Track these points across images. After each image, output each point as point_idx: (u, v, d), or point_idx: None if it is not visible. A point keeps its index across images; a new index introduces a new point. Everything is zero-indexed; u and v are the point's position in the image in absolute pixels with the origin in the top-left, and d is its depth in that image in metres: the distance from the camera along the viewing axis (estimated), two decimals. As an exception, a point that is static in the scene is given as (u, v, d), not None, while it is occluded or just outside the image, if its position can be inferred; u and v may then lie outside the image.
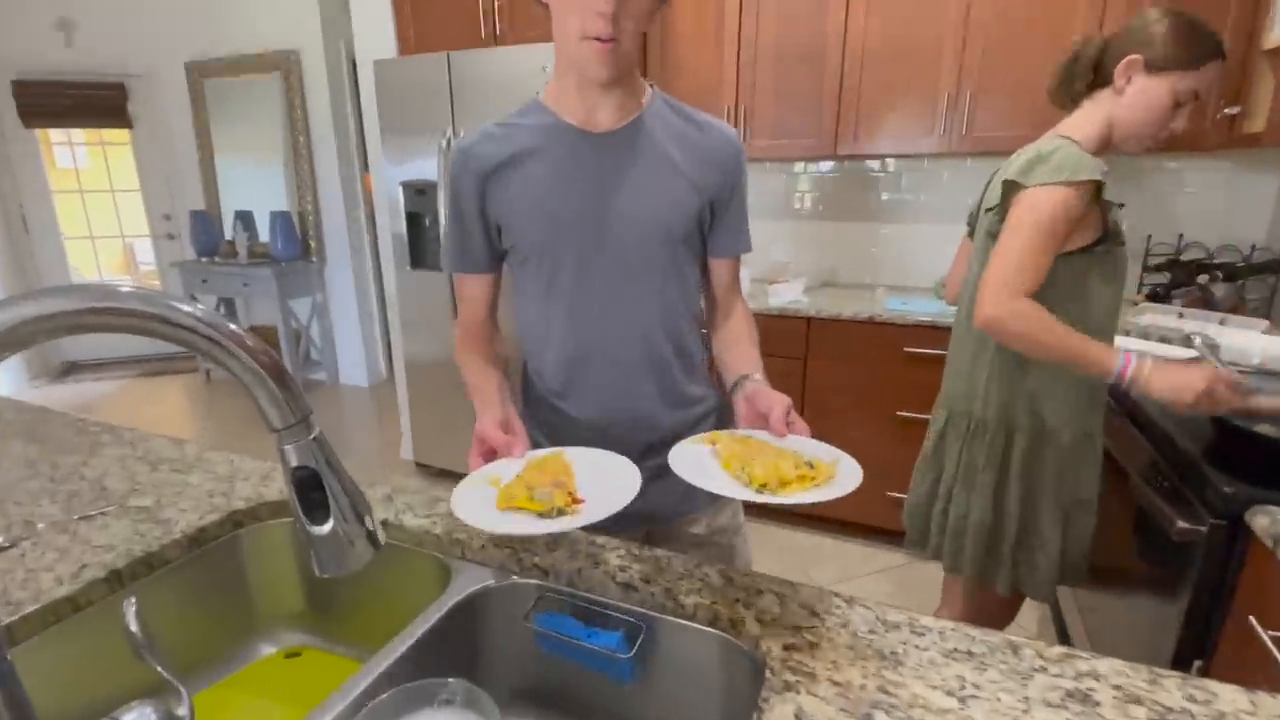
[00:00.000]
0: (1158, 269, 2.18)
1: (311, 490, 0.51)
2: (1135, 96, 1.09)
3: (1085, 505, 1.21)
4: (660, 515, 0.99)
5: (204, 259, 4.22)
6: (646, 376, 0.95)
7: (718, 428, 0.99)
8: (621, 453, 0.83)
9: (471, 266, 0.96)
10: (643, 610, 0.76)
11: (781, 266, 2.77)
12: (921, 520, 1.34)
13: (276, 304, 3.95)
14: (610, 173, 0.89)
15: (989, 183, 1.29)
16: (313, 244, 4.16)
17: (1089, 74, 1.14)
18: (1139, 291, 2.27)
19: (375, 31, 2.72)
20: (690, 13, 2.45)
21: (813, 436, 0.78)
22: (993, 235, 1.16)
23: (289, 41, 3.85)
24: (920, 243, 2.59)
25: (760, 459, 0.72)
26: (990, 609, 1.30)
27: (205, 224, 4.23)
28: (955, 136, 2.18)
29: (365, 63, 2.74)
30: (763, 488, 0.69)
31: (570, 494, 0.73)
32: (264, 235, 4.21)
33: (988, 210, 1.19)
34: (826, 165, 2.69)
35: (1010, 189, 1.11)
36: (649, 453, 0.95)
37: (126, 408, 3.97)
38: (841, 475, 0.71)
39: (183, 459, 1.11)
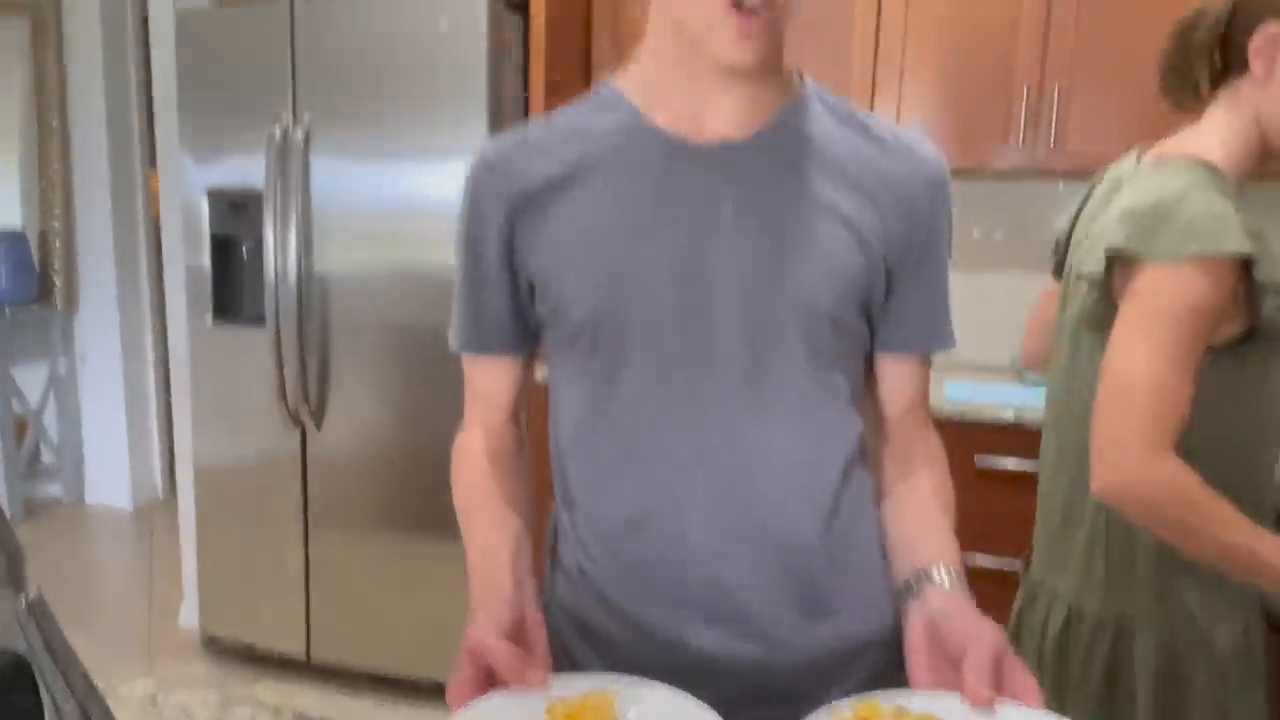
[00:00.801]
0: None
1: (13, 693, 0.46)
2: None
3: None
4: None
5: (-124, 301, 4.06)
6: (762, 567, 0.86)
7: (887, 667, 0.87)
8: (701, 692, 0.73)
9: (488, 344, 0.95)
10: None
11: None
12: None
13: (-10, 374, 3.80)
14: (722, 209, 0.83)
15: (1080, 211, 1.32)
16: (58, 281, 4.08)
17: (1212, 55, 1.13)
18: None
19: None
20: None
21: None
22: (1094, 324, 1.16)
23: (46, -20, 3.87)
24: (992, 298, 2.68)
25: None
26: None
27: (-117, 246, 4.08)
28: (1041, 149, 2.29)
29: (163, 14, 2.77)
30: None
31: None
32: (-21, 265, 4.10)
33: (1081, 278, 1.19)
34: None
35: (1119, 260, 1.09)
36: (755, 702, 0.85)
37: None
38: None
39: None
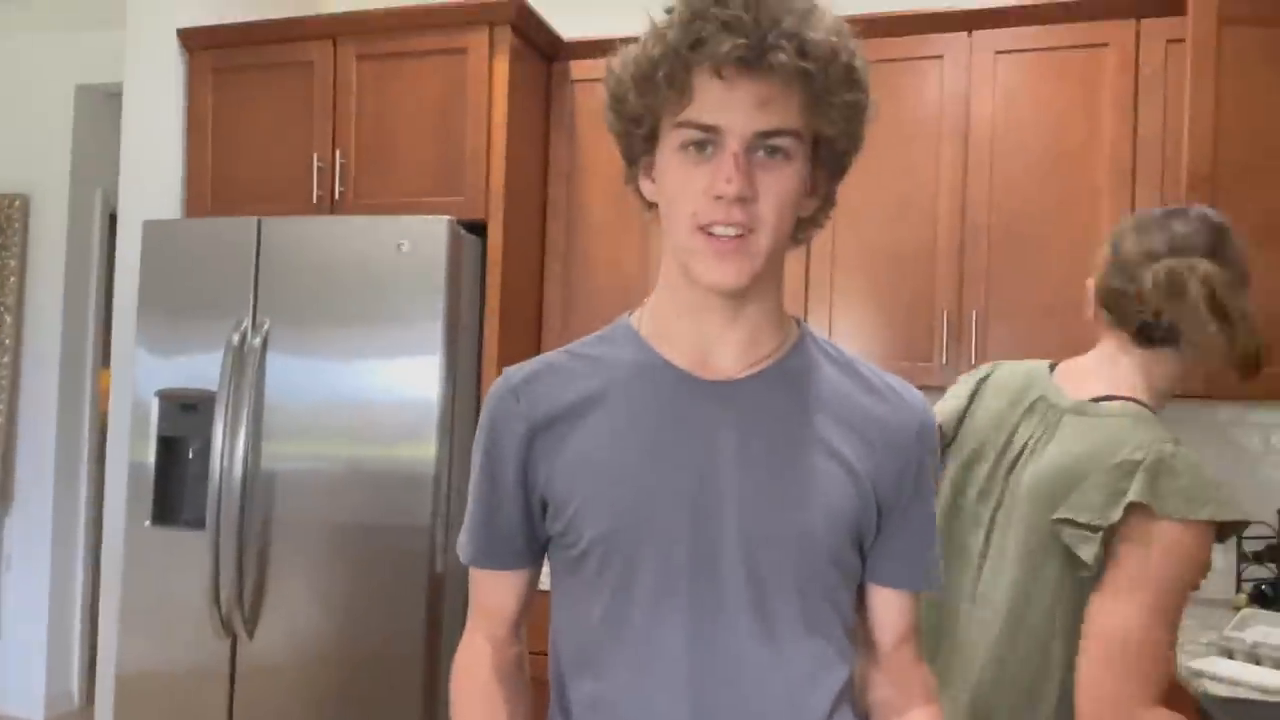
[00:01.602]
0: (1258, 558, 2.37)
1: None
2: None
3: None
4: None
5: None
6: None
7: None
8: None
9: (499, 559, 0.97)
10: None
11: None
12: None
13: (-95, 574, 3.62)
14: (727, 442, 0.88)
15: (970, 403, 1.40)
16: (-8, 476, 3.95)
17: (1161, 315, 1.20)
18: (1238, 590, 2.43)
19: (152, 181, 2.90)
20: (604, 191, 2.76)
21: None
22: (1079, 567, 1.16)
23: (16, 183, 4.00)
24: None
25: None
26: None
27: None
28: (964, 366, 2.44)
29: (131, 223, 2.86)
30: None
31: None
32: (-90, 459, 3.98)
33: (1072, 524, 1.16)
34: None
35: (1132, 513, 1.11)
36: None
37: None
38: None
39: None
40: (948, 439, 1.40)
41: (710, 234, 0.82)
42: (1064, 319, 2.39)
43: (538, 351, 2.77)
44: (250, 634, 2.49)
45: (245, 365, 2.50)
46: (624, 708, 0.89)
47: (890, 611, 0.97)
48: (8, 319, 3.97)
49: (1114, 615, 1.10)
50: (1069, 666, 1.17)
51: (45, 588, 3.93)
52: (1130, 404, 1.22)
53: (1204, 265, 1.16)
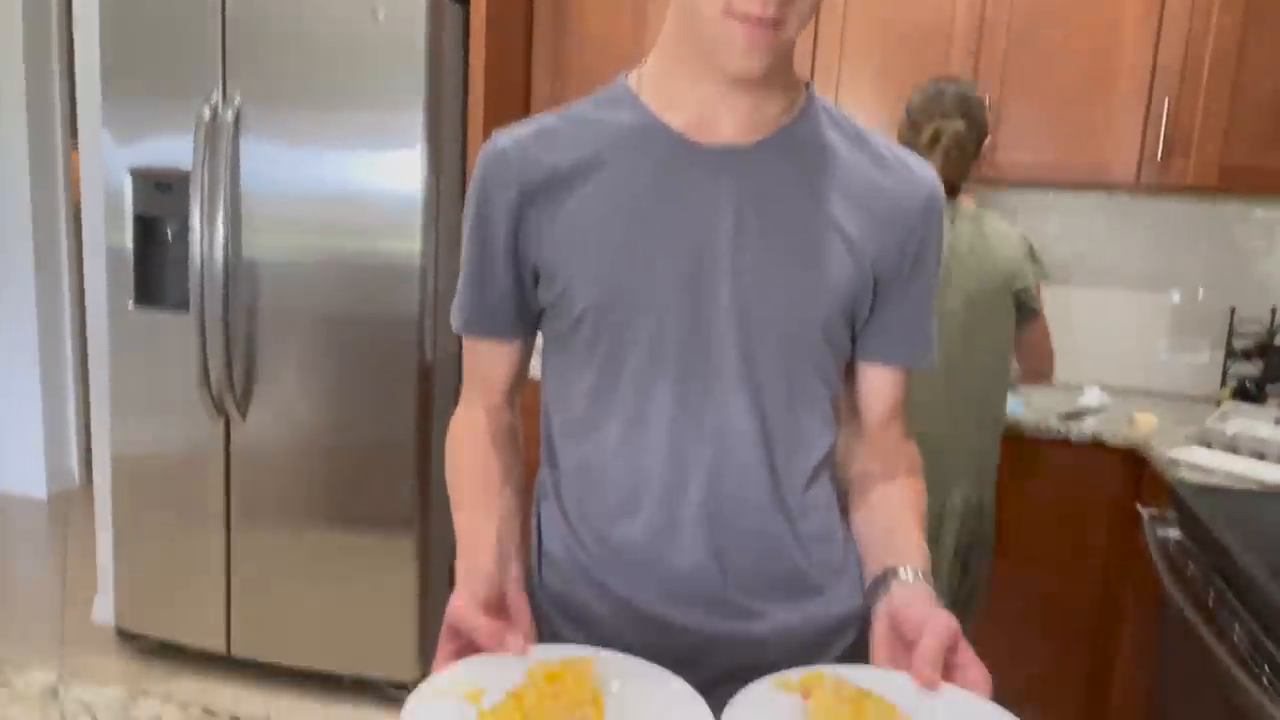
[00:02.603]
0: (1245, 355, 2.39)
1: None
2: None
3: None
4: None
5: None
6: (746, 553, 0.90)
7: (861, 640, 0.92)
8: (685, 672, 0.75)
9: (490, 328, 0.96)
10: None
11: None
12: None
13: (-106, 356, 3.64)
14: (725, 211, 0.86)
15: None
16: (-29, 261, 3.90)
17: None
18: (1222, 386, 2.47)
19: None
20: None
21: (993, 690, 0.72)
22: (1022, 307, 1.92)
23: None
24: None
25: None
26: None
27: None
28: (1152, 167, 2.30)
29: (87, -17, 2.66)
30: None
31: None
32: (-115, 241, 3.91)
33: (1025, 288, 1.90)
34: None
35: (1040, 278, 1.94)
36: (735, 679, 0.89)
37: None
38: None
39: None
40: None
41: (742, 21, 0.77)
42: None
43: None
44: (243, 415, 2.52)
45: (218, 143, 2.40)
46: (610, 470, 0.91)
47: (881, 388, 0.97)
48: (-32, 96, 3.80)
49: (1047, 332, 2.00)
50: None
51: (36, 371, 3.98)
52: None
53: (955, 124, 1.84)
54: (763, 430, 0.89)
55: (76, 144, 3.60)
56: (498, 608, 0.80)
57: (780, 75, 0.87)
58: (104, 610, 2.89)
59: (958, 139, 1.81)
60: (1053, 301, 2.27)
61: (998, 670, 0.75)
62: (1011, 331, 1.92)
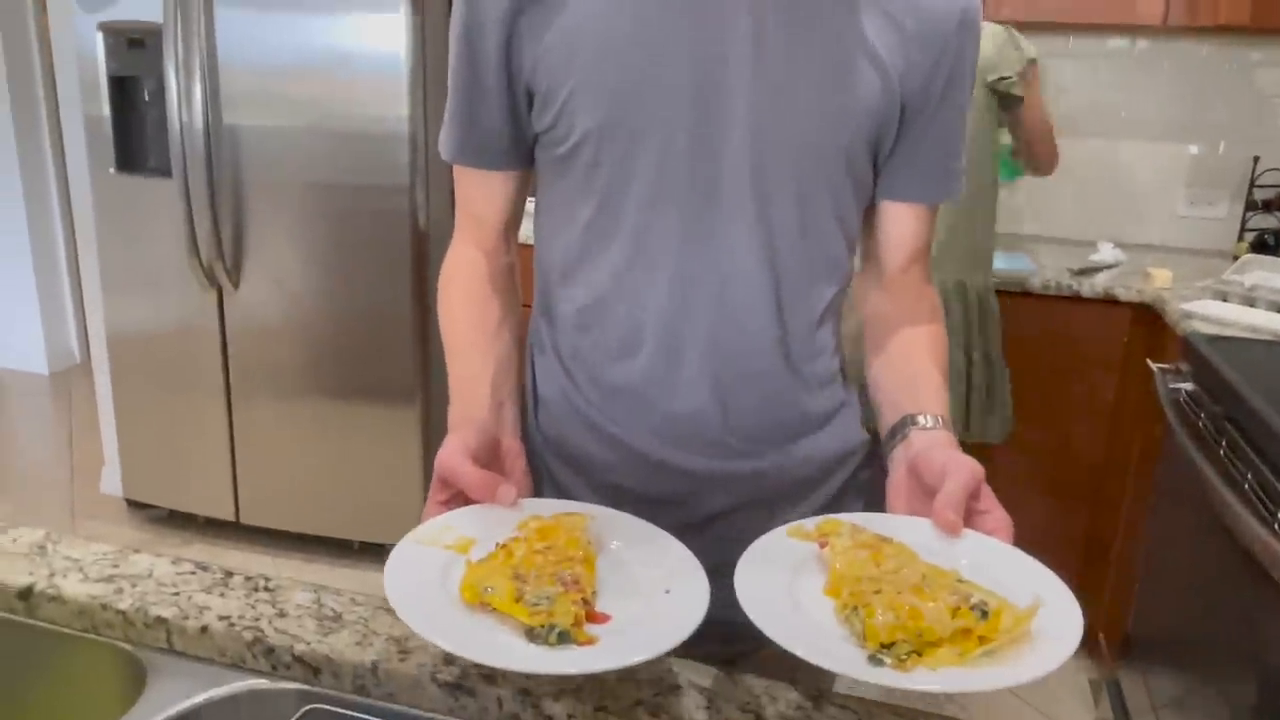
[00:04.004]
0: (1266, 207, 2.32)
1: None
2: None
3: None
4: (744, 633, 0.64)
5: None
6: (748, 393, 0.86)
7: (861, 473, 0.93)
8: (681, 510, 0.74)
9: (482, 157, 0.88)
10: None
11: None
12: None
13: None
14: (740, 28, 0.77)
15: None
16: (-53, 134, 3.79)
17: None
18: (1240, 239, 2.40)
19: None
20: None
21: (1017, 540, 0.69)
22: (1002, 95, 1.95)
23: None
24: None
25: (890, 590, 0.62)
26: None
27: None
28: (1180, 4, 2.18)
29: None
30: (882, 650, 0.59)
31: (587, 603, 0.64)
32: None
33: (1003, 78, 1.91)
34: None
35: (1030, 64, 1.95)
36: (727, 514, 0.88)
37: None
38: (1043, 633, 0.60)
39: None
40: None
41: None
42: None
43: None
44: (235, 285, 2.48)
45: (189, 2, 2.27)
46: (609, 310, 0.86)
47: (905, 228, 0.91)
48: (-73, -47, 3.60)
49: (1045, 118, 2.04)
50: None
51: (26, 246, 3.93)
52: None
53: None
54: (772, 267, 0.83)
55: (44, 5, 3.43)
56: (490, 456, 0.77)
57: None
58: (111, 482, 2.92)
59: None
60: (1068, 153, 2.19)
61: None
62: (993, 124, 1.97)
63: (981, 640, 0.60)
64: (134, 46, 2.39)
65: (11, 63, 3.73)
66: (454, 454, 0.73)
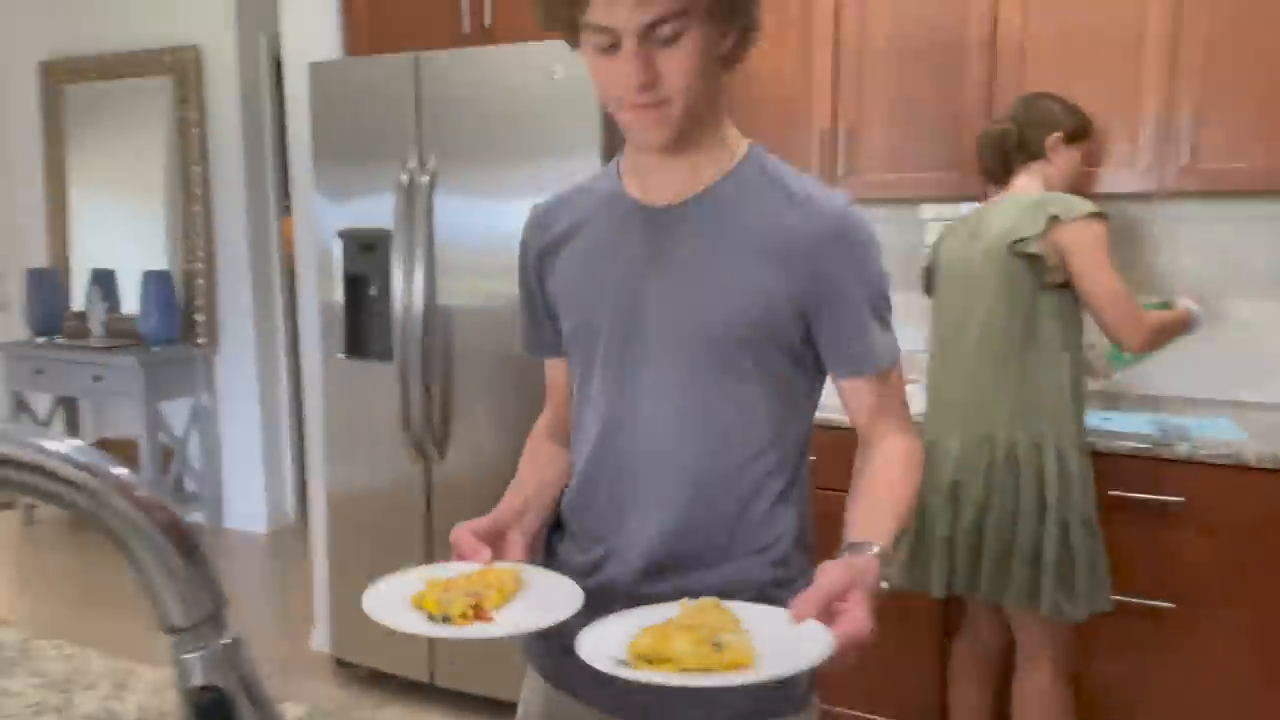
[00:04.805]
0: None
1: (216, 724, 0.52)
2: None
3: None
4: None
5: (41, 339, 4.41)
6: (680, 531, 1.09)
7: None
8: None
9: (542, 350, 1.26)
10: None
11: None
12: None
13: (140, 407, 4.07)
14: (658, 253, 1.08)
15: (937, 249, 2.21)
16: (200, 320, 4.34)
17: (1015, 152, 2.11)
18: None
19: (313, 24, 2.94)
20: (763, 4, 2.59)
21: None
22: (1033, 277, 1.93)
23: (187, 35, 4.17)
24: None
25: (683, 633, 0.85)
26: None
27: (47, 287, 4.45)
28: (1172, 170, 2.23)
29: (297, 66, 2.94)
30: (632, 660, 0.84)
31: (477, 606, 0.95)
32: (129, 305, 4.40)
33: (1020, 240, 1.92)
34: (968, 209, 2.74)
35: (1052, 223, 1.91)
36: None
37: (-95, 562, 4.02)
38: (762, 665, 0.82)
39: (-2, 651, 1.11)
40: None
41: (631, 109, 0.99)
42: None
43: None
44: (441, 455, 2.67)
45: (415, 204, 2.58)
46: (582, 448, 1.16)
47: (852, 397, 1.12)
48: (196, 170, 4.24)
49: (1101, 278, 1.89)
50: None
51: (257, 419, 4.35)
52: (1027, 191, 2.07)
53: (1001, 125, 2.13)
54: (685, 426, 1.08)
55: (287, 209, 3.96)
56: (495, 538, 1.07)
57: (703, 141, 1.06)
58: (321, 639, 3.11)
59: (992, 137, 2.11)
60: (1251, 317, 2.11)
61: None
62: (1028, 286, 1.93)
63: (710, 665, 0.82)
64: (365, 249, 2.71)
65: (255, 256, 4.26)
66: (461, 528, 1.06)
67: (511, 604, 0.98)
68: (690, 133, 1.03)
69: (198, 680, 0.51)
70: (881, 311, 1.08)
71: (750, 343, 1.04)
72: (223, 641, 0.52)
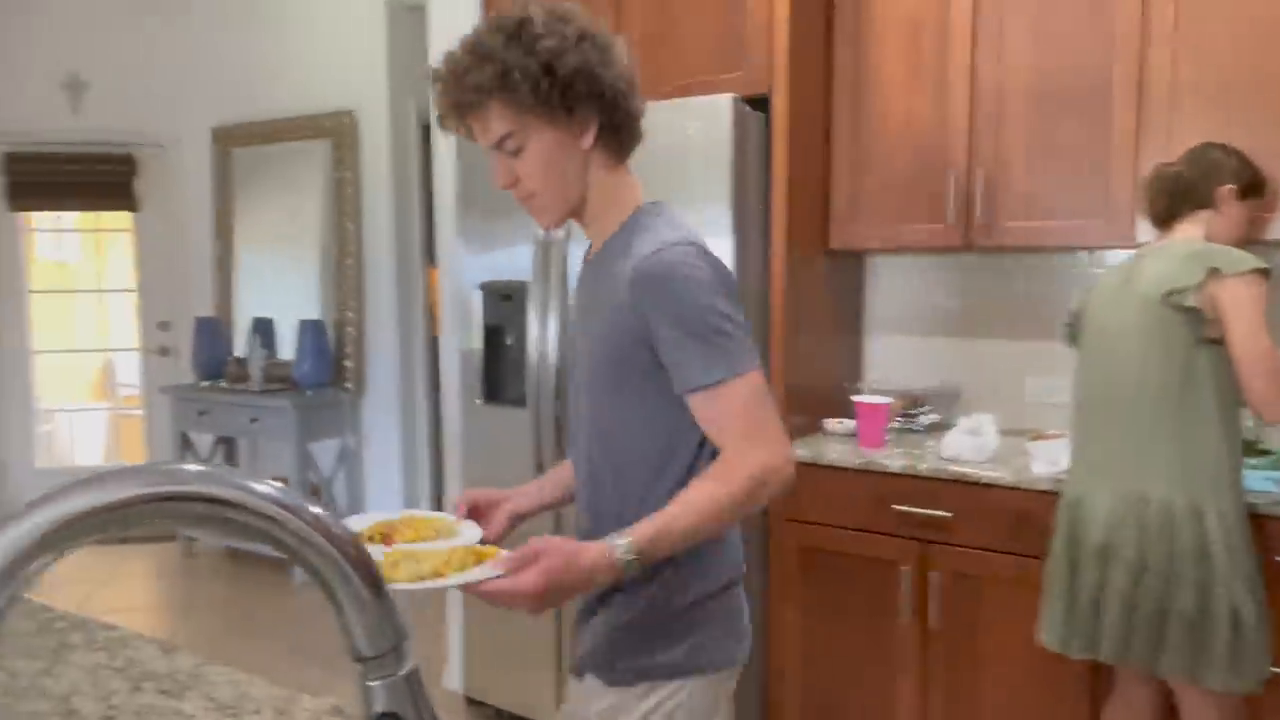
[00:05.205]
0: None
1: (394, 749, 0.55)
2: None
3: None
4: (579, 662, 1.38)
5: (205, 383, 4.72)
6: (592, 502, 1.35)
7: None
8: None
9: None
10: None
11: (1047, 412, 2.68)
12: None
13: (293, 447, 4.30)
14: (583, 295, 1.39)
15: (1088, 297, 2.14)
16: (349, 365, 4.57)
17: (1185, 200, 2.03)
18: None
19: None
20: (895, 47, 2.60)
21: None
22: (1186, 330, 1.86)
23: (344, 100, 4.46)
24: None
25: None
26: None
27: (212, 335, 4.77)
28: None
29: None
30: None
31: (385, 535, 1.24)
32: (285, 352, 4.68)
33: (1175, 291, 1.86)
34: (1121, 256, 2.64)
35: (1211, 275, 1.84)
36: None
37: (80, 587, 4.34)
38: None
39: (172, 675, 1.19)
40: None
41: (517, 199, 1.30)
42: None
43: (826, 219, 2.72)
44: (571, 496, 2.72)
45: (551, 258, 2.68)
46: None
47: (695, 413, 1.25)
48: (349, 226, 4.50)
49: (1252, 340, 1.79)
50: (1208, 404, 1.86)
51: (398, 460, 4.53)
52: (1187, 239, 1.99)
53: (1172, 168, 2.06)
54: (597, 420, 1.32)
55: (432, 262, 4.14)
56: (490, 505, 1.43)
57: (595, 212, 1.33)
58: (452, 679, 3.19)
59: (1164, 180, 2.04)
60: None
61: None
62: (1183, 340, 1.87)
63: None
64: (503, 300, 2.83)
65: (401, 307, 4.47)
66: (469, 490, 1.45)
67: (425, 545, 1.21)
68: (579, 210, 1.32)
69: (380, 706, 0.55)
70: (703, 333, 1.20)
71: (621, 365, 1.27)
72: (403, 672, 0.55)
